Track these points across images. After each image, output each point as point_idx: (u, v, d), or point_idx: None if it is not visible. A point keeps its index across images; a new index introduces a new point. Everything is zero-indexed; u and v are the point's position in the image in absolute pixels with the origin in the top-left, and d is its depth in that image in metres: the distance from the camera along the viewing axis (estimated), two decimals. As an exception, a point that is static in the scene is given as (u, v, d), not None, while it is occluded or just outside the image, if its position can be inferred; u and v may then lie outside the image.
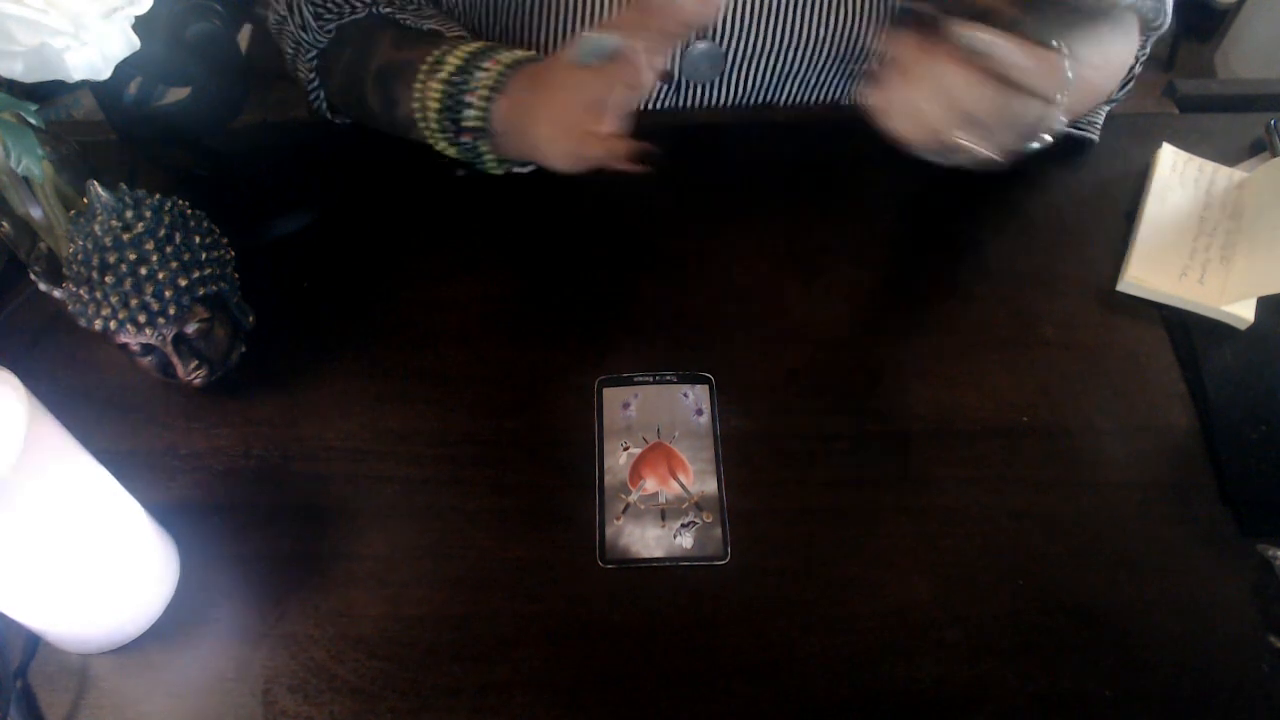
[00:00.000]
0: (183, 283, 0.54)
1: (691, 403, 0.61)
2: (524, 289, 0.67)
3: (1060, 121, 0.53)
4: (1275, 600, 0.53)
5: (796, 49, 0.73)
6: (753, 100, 0.79)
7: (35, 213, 0.56)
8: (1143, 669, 0.52)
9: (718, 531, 0.56)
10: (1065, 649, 0.52)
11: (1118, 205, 0.71)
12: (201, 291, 0.56)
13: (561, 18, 0.70)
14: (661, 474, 0.58)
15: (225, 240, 0.59)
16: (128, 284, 0.53)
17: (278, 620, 0.53)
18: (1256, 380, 0.62)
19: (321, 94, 0.74)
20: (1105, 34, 0.65)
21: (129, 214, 0.54)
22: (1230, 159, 0.74)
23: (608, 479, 0.58)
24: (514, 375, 0.63)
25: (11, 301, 0.66)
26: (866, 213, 0.71)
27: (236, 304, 0.60)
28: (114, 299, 0.53)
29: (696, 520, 0.56)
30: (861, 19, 0.72)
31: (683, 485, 0.58)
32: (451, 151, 0.65)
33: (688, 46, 0.73)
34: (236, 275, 0.60)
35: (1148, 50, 0.72)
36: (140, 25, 0.48)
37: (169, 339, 0.56)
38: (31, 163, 0.49)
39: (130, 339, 0.55)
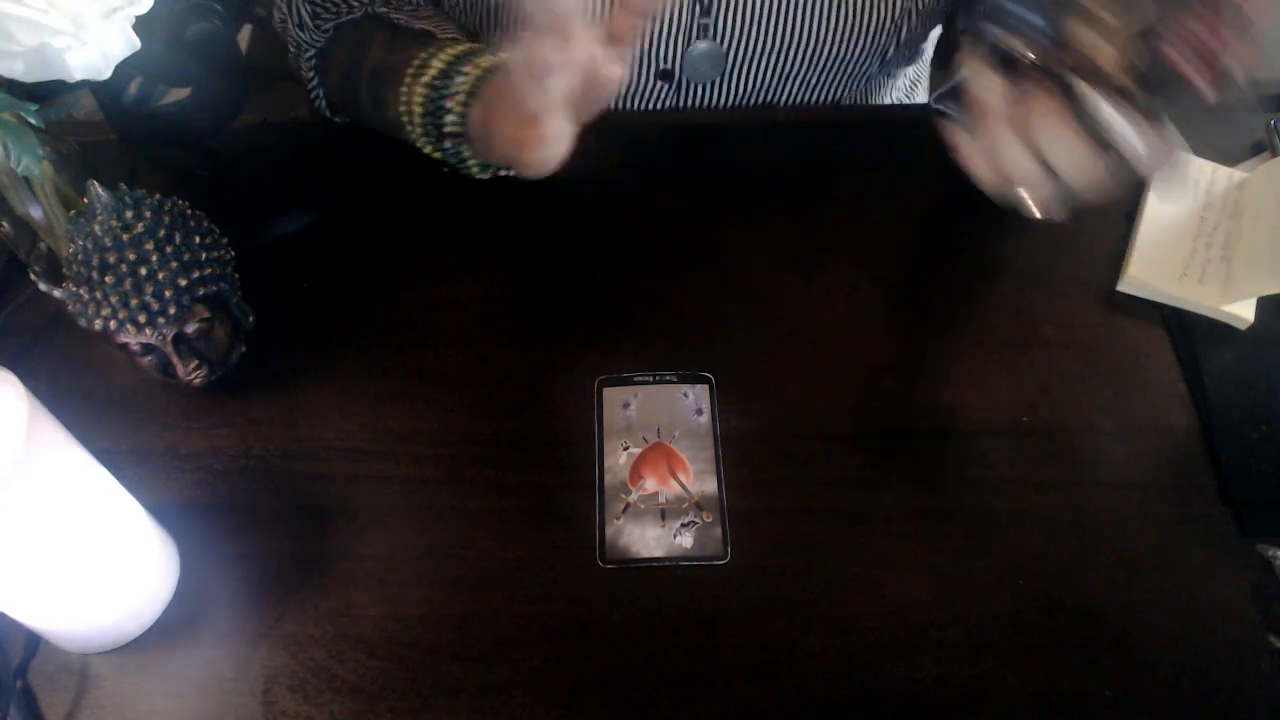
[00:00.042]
0: (183, 283, 0.54)
1: (691, 403, 0.61)
2: (524, 289, 0.67)
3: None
4: (1275, 600, 0.53)
5: (797, 49, 0.73)
6: (753, 100, 0.79)
7: (35, 213, 0.56)
8: (1143, 669, 0.51)
9: (718, 531, 0.56)
10: (1065, 649, 0.52)
11: (1118, 205, 0.71)
12: (201, 291, 0.56)
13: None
14: (661, 474, 0.58)
15: (225, 240, 0.59)
16: (128, 284, 0.53)
17: (278, 620, 0.53)
18: (1256, 380, 0.62)
19: (321, 93, 0.74)
20: None
21: (129, 214, 0.54)
22: (1230, 159, 0.74)
23: (608, 479, 0.58)
24: (514, 375, 0.63)
25: (11, 301, 0.66)
26: (866, 213, 0.71)
27: (236, 304, 0.60)
28: (114, 299, 0.53)
29: (696, 520, 0.56)
30: (862, 19, 0.72)
31: (683, 485, 0.58)
32: (438, 155, 0.65)
33: (689, 46, 0.73)
34: (236, 275, 0.60)
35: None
36: (140, 25, 0.48)
37: (169, 339, 0.56)
38: (31, 163, 0.49)
39: (130, 339, 0.55)
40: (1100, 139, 0.47)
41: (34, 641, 0.52)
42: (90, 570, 0.48)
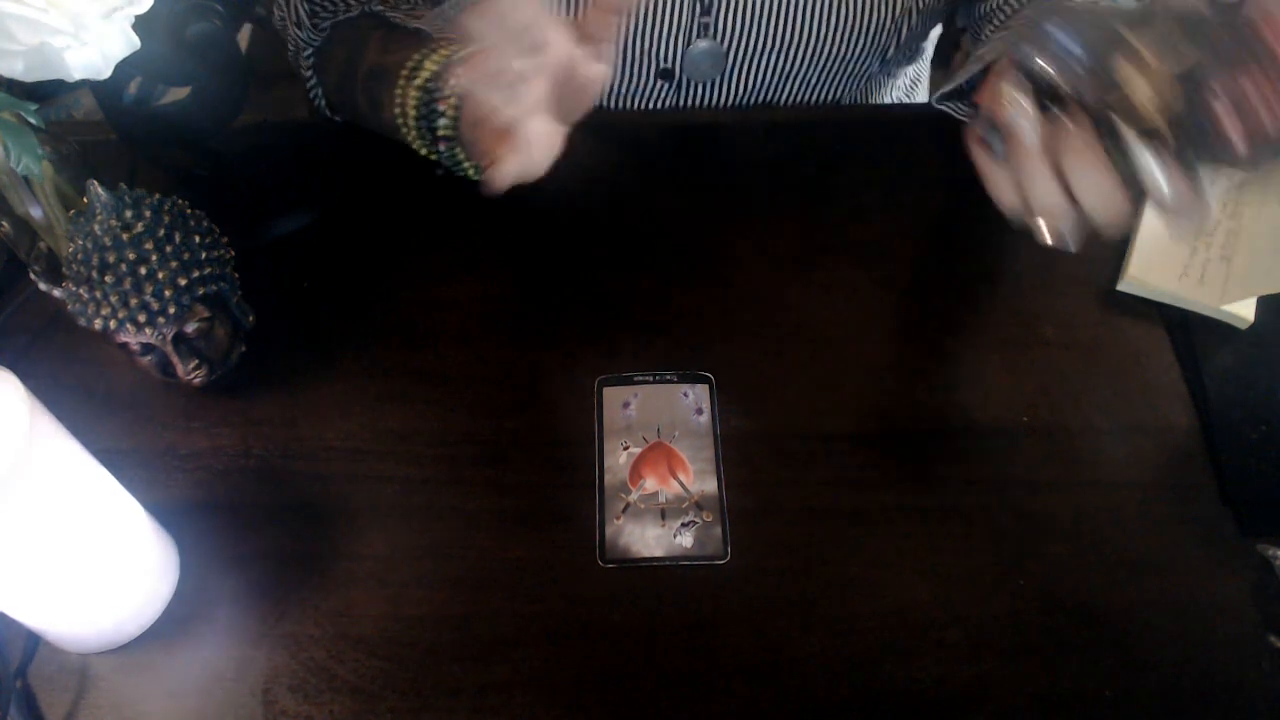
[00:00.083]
0: (183, 282, 0.54)
1: (691, 402, 0.61)
2: (524, 289, 0.67)
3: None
4: (1275, 600, 0.53)
5: (798, 48, 0.73)
6: (754, 99, 0.79)
7: (35, 212, 0.56)
8: (1143, 669, 0.51)
9: (718, 531, 0.56)
10: (1065, 649, 0.52)
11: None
12: (201, 291, 0.56)
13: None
14: (661, 473, 0.58)
15: (225, 240, 0.59)
16: (128, 283, 0.53)
17: (278, 620, 0.53)
18: (1256, 380, 0.62)
19: (320, 91, 0.74)
20: None
21: (129, 214, 0.54)
22: (1230, 159, 0.73)
23: (608, 479, 0.58)
24: (514, 375, 0.63)
25: (11, 301, 0.66)
26: (866, 213, 0.71)
27: (236, 304, 0.60)
28: (114, 298, 0.53)
29: (696, 520, 0.56)
30: (863, 19, 0.72)
31: (683, 485, 0.58)
32: (434, 157, 0.65)
33: (689, 45, 0.73)
34: (236, 275, 0.60)
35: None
36: (140, 25, 0.48)
37: (169, 338, 0.56)
38: (31, 162, 0.49)
39: (130, 338, 0.55)
40: (1129, 178, 0.47)
41: (34, 641, 0.52)
42: (90, 570, 0.48)
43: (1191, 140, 0.45)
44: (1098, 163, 0.47)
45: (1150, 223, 0.69)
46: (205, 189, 0.70)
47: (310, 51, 0.72)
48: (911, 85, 0.91)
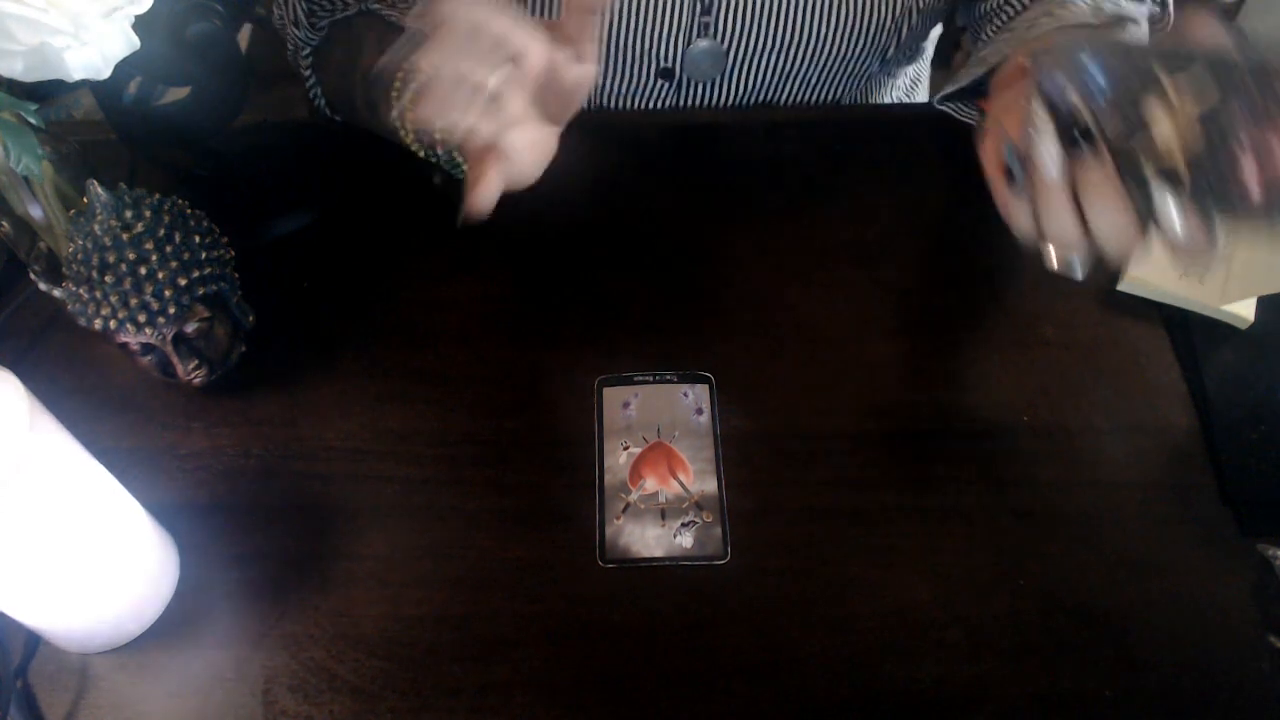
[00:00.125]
0: (183, 282, 0.54)
1: (691, 402, 0.61)
2: (524, 289, 0.67)
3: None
4: (1275, 600, 0.53)
5: (798, 48, 0.73)
6: (754, 99, 0.79)
7: (35, 212, 0.56)
8: (1143, 669, 0.51)
9: (718, 531, 0.56)
10: (1065, 649, 0.52)
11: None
12: (201, 291, 0.56)
13: (557, 14, 0.70)
14: (661, 473, 0.58)
15: (225, 240, 0.59)
16: (128, 283, 0.53)
17: (278, 620, 0.53)
18: (1256, 380, 0.62)
19: (319, 91, 0.74)
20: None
21: (129, 214, 0.54)
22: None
23: (608, 479, 0.58)
24: (514, 375, 0.63)
25: (11, 301, 0.66)
26: (866, 213, 0.71)
27: (236, 304, 0.60)
28: (114, 298, 0.53)
29: (696, 520, 0.56)
30: (863, 18, 0.72)
31: (683, 485, 0.58)
32: (432, 161, 0.65)
33: (689, 44, 0.73)
34: (236, 275, 0.60)
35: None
36: (140, 25, 0.48)
37: (169, 338, 0.56)
38: (31, 162, 0.49)
39: (130, 338, 0.55)
40: (1143, 214, 0.47)
41: (34, 641, 0.52)
42: (90, 570, 0.48)
43: (1209, 183, 0.46)
44: (1117, 200, 0.48)
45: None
46: (205, 189, 0.70)
47: (309, 51, 0.72)
48: (911, 85, 0.91)
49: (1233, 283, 0.65)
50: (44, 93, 0.54)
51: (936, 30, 0.85)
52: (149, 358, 0.57)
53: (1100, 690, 0.51)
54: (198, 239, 0.56)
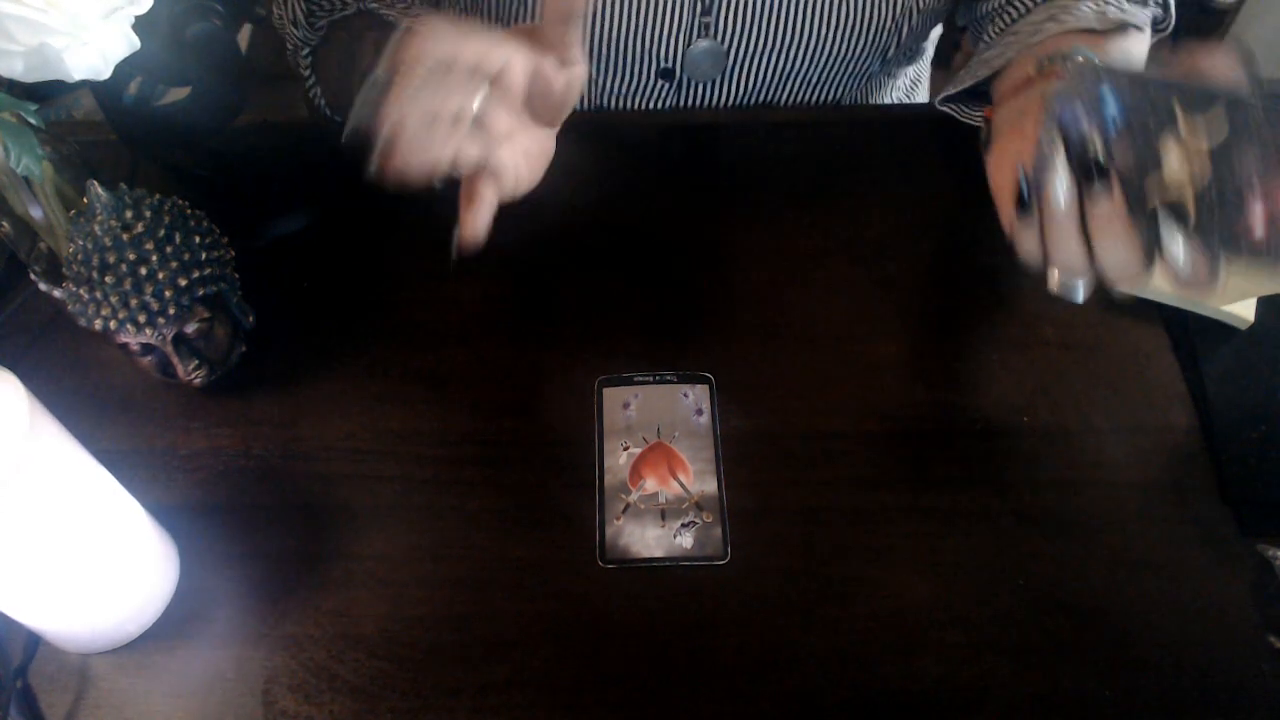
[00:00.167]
0: (183, 283, 0.54)
1: (691, 403, 0.61)
2: (524, 289, 0.67)
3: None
4: (1275, 600, 0.53)
5: (798, 48, 0.73)
6: (754, 99, 0.79)
7: (35, 213, 0.56)
8: (1143, 669, 0.51)
9: (718, 531, 0.56)
10: (1065, 649, 0.52)
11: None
12: (201, 291, 0.56)
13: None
14: (661, 474, 0.58)
15: (225, 240, 0.59)
16: (128, 284, 0.53)
17: (278, 620, 0.53)
18: (1256, 380, 0.62)
19: (319, 90, 0.74)
20: (1134, 51, 0.65)
21: (129, 214, 0.54)
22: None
23: (608, 479, 0.58)
24: (514, 375, 0.63)
25: (11, 301, 0.66)
26: (866, 212, 0.71)
27: (236, 304, 0.60)
28: (114, 299, 0.53)
29: (696, 520, 0.56)
30: (863, 18, 0.72)
31: (683, 485, 0.58)
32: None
33: (690, 45, 0.73)
34: (236, 275, 0.60)
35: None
36: (140, 25, 0.48)
37: (169, 339, 0.56)
38: (31, 163, 0.49)
39: (130, 339, 0.55)
40: (1147, 245, 0.48)
41: (34, 641, 0.52)
42: (90, 570, 0.48)
43: (1214, 219, 0.46)
44: (1124, 234, 0.48)
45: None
46: (205, 189, 0.70)
47: (308, 51, 0.72)
48: (912, 85, 0.91)
49: (1233, 283, 0.65)
50: (44, 93, 0.54)
51: (937, 30, 0.85)
52: (149, 358, 0.57)
53: (1100, 690, 0.51)
54: (198, 239, 0.56)
